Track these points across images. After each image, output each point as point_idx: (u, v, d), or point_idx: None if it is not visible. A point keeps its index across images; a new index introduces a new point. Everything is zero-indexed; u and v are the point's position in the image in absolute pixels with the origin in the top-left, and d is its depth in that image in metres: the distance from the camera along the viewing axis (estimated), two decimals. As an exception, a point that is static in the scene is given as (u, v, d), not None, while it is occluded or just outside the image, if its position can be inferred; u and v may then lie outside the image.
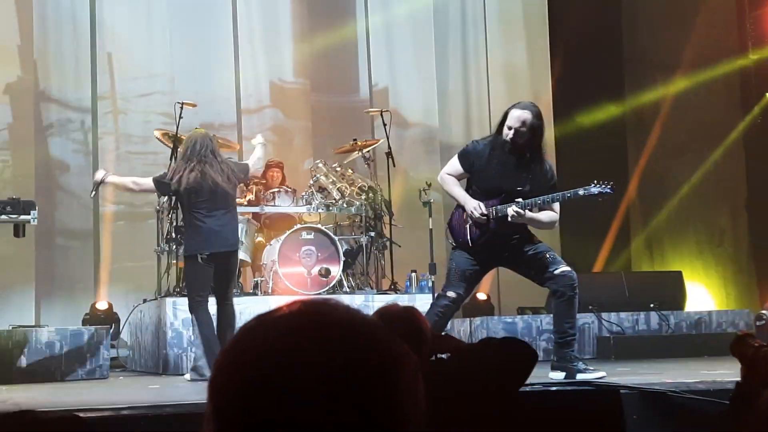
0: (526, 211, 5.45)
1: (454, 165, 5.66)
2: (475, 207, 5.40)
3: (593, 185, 5.63)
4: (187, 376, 6.97)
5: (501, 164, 5.51)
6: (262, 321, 0.96)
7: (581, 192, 5.65)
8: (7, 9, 10.32)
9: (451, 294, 5.58)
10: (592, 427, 4.26)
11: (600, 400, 4.51)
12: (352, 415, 0.90)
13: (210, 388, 0.96)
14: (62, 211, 10.58)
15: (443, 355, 3.04)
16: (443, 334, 3.34)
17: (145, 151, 10.48)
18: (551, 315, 6.48)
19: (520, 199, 5.46)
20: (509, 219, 5.42)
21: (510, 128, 5.41)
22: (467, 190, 5.62)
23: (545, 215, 5.59)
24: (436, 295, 5.82)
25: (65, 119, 10.78)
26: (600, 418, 4.38)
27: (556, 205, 5.65)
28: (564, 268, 5.50)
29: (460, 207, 5.58)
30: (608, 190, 5.66)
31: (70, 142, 10.85)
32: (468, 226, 5.47)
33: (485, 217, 5.41)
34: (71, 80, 10.77)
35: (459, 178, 5.63)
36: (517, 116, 5.42)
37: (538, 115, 5.51)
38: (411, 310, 2.94)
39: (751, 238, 10.46)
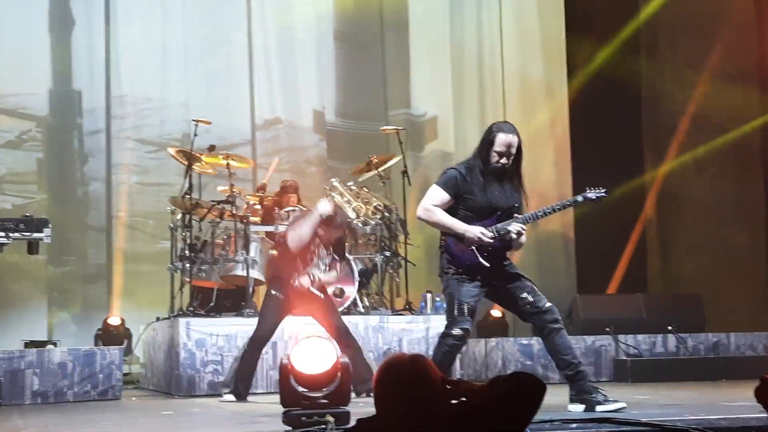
0: (524, 226, 5.42)
1: (439, 195, 5.45)
2: (481, 231, 5.30)
3: (588, 191, 5.63)
4: (229, 398, 6.90)
5: (489, 184, 5.44)
6: None
7: (579, 199, 5.68)
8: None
9: (456, 332, 5.44)
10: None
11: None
12: None
13: None
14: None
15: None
16: (456, 379, 3.25)
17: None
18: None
19: (518, 215, 5.45)
20: (513, 236, 5.36)
21: (500, 154, 5.38)
22: (455, 216, 5.46)
23: (524, 239, 5.51)
24: (442, 331, 5.66)
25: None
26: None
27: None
28: (546, 303, 5.45)
29: (451, 235, 5.45)
30: (603, 194, 5.64)
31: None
32: (474, 248, 5.34)
33: (493, 239, 5.34)
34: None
35: (444, 207, 5.43)
36: (507, 141, 5.39)
37: (519, 136, 5.50)
38: (419, 360, 2.89)
39: (768, 257, 10.42)
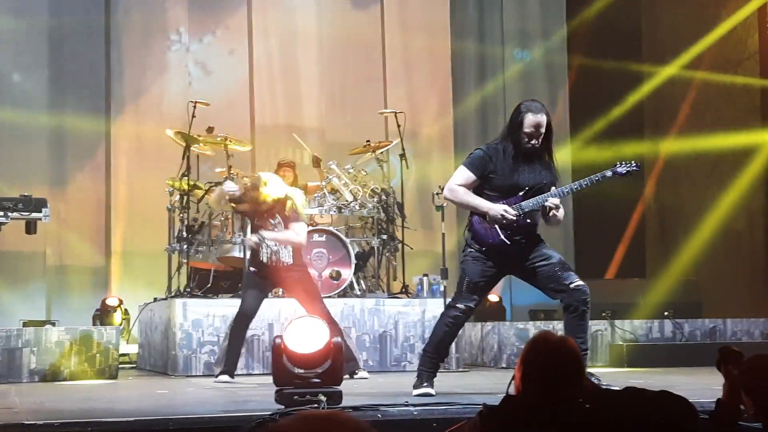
0: (557, 203, 5.40)
1: (465, 174, 5.48)
2: (504, 209, 5.31)
3: (619, 165, 5.60)
4: (223, 378, 6.91)
5: (516, 163, 5.42)
6: None
7: (609, 173, 5.61)
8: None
9: (461, 306, 5.49)
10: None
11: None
12: None
13: None
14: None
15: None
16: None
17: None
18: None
19: (554, 189, 5.45)
20: (545, 207, 5.37)
21: (530, 135, 5.35)
22: (480, 195, 5.45)
23: (561, 212, 5.48)
24: (446, 303, 5.70)
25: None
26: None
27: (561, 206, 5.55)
28: (578, 281, 5.40)
29: (477, 214, 5.46)
30: (635, 167, 5.63)
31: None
32: (497, 227, 5.36)
33: (517, 217, 5.34)
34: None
35: (469, 186, 5.46)
36: (537, 122, 5.35)
37: (549, 114, 5.49)
38: (569, 341, 2.87)
39: (767, 250, 10.44)
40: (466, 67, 12.22)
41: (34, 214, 7.89)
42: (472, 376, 7.50)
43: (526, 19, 12.45)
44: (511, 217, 5.32)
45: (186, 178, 8.62)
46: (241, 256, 8.35)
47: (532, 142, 5.38)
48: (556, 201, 5.39)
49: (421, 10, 11.97)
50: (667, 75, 11.59)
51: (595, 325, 8.43)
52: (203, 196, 8.66)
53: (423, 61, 11.91)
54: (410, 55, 11.87)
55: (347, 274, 8.29)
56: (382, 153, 9.31)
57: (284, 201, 6.78)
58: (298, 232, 6.83)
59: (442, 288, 8.24)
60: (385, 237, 8.83)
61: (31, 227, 8.07)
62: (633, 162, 5.67)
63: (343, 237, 8.42)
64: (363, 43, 11.78)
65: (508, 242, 5.38)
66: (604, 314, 8.77)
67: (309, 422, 0.91)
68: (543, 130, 5.39)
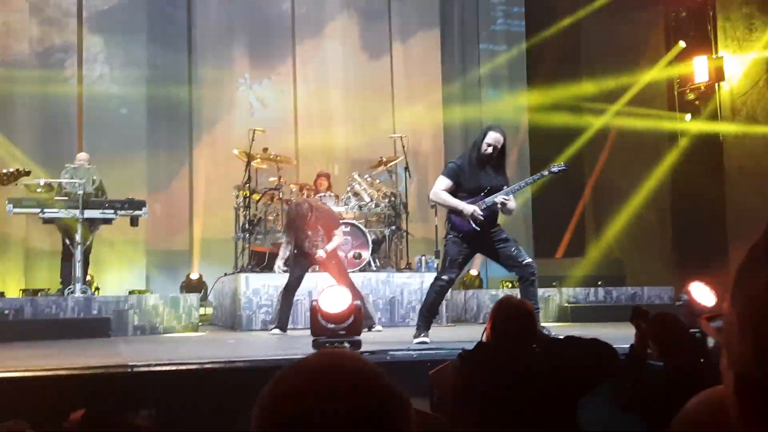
0: (510, 199, 5.41)
1: (445, 182, 5.49)
2: (475, 209, 5.33)
3: (552, 166, 5.60)
4: (276, 331, 6.92)
5: (480, 169, 5.44)
6: (295, 369, 0.94)
7: (545, 173, 5.62)
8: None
9: (445, 277, 5.52)
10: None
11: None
12: None
13: (255, 419, 0.91)
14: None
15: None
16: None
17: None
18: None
19: (505, 187, 5.44)
20: (498, 205, 5.37)
21: (489, 145, 5.39)
22: (455, 196, 5.47)
23: (512, 204, 5.48)
24: (435, 276, 5.71)
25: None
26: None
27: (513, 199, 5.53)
28: (528, 259, 5.44)
29: (454, 211, 5.46)
30: (564, 167, 5.63)
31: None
32: (469, 220, 5.38)
33: (483, 211, 5.35)
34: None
35: (447, 190, 5.46)
36: (495, 137, 5.41)
37: (505, 136, 5.52)
38: (527, 303, 2.89)
39: (674, 233, 10.42)
40: (454, 104, 12.19)
41: (136, 212, 7.93)
42: (457, 329, 7.51)
43: (496, 68, 12.45)
44: (479, 213, 5.35)
45: (247, 185, 8.64)
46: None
47: (489, 151, 5.40)
48: (506, 197, 5.39)
49: (419, 61, 12.00)
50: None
51: (547, 291, 8.45)
52: (260, 199, 8.68)
53: (421, 98, 11.89)
54: (412, 94, 11.88)
55: (366, 254, 8.33)
56: (391, 166, 9.34)
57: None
58: (339, 235, 7.05)
59: (435, 265, 8.24)
60: (393, 228, 8.86)
61: (134, 221, 8.10)
62: (563, 163, 5.68)
63: (363, 228, 8.44)
64: (377, 84, 11.80)
65: (478, 229, 5.40)
66: (554, 284, 8.77)
67: (328, 356, 0.93)
68: (500, 145, 5.43)
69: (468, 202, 5.39)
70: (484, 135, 5.46)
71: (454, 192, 5.46)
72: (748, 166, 9.34)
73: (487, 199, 5.38)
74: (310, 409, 0.87)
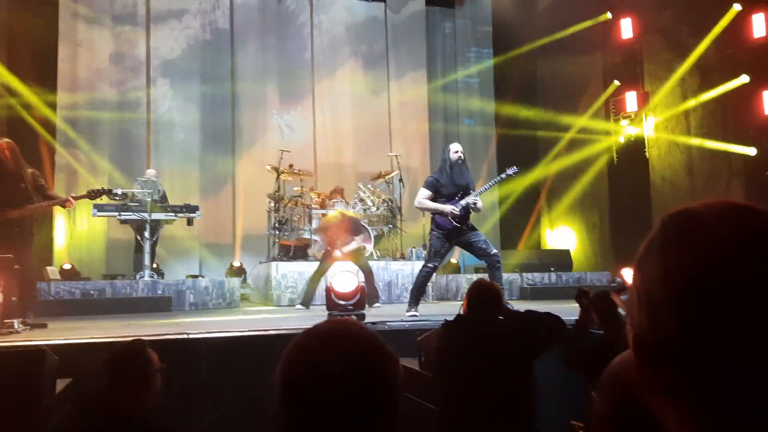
0: (478, 200, 5.41)
1: (425, 192, 5.49)
2: (452, 209, 5.34)
3: (508, 170, 5.55)
4: (300, 307, 6.92)
5: (451, 177, 5.44)
6: (309, 332, 0.93)
7: (503, 176, 5.57)
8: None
9: (430, 265, 5.52)
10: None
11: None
12: (366, 391, 0.87)
13: (279, 371, 0.90)
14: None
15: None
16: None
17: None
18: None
19: (472, 191, 5.46)
20: (470, 205, 5.37)
21: (456, 152, 5.45)
22: (436, 201, 5.47)
23: (480, 204, 5.47)
24: (422, 264, 5.72)
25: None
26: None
27: (480, 199, 5.51)
28: (494, 250, 5.43)
29: (436, 213, 5.47)
30: (515, 170, 5.57)
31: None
32: (449, 218, 5.39)
33: (459, 211, 5.37)
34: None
35: (428, 198, 5.47)
36: (456, 146, 5.53)
37: (461, 146, 5.60)
38: (495, 285, 2.91)
39: (611, 229, 10.42)
40: (437, 129, 12.18)
41: (192, 214, 7.93)
42: (440, 305, 7.52)
43: (470, 101, 12.47)
44: (457, 213, 5.37)
45: (277, 193, 8.65)
46: (309, 238, 8.42)
47: (457, 155, 5.45)
48: (475, 199, 5.40)
49: (410, 95, 11.98)
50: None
51: (510, 276, 8.46)
52: (287, 204, 8.69)
53: (412, 125, 11.87)
54: (405, 122, 11.87)
55: (370, 247, 8.28)
56: (388, 178, 9.34)
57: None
58: (357, 241, 7.03)
59: (423, 255, 8.24)
60: (390, 226, 8.86)
61: (190, 222, 8.10)
62: (515, 167, 5.62)
63: (367, 226, 8.44)
64: (377, 114, 11.78)
65: (458, 225, 5.42)
66: (516, 270, 8.77)
67: (334, 322, 0.94)
68: (460, 150, 5.51)
69: (449, 205, 5.40)
70: (448, 148, 5.56)
71: (434, 198, 5.47)
72: (669, 176, 9.36)
73: (461, 202, 5.40)
74: (319, 362, 0.87)
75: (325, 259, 6.97)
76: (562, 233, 11.58)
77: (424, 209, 5.73)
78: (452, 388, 2.67)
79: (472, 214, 5.57)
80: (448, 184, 5.45)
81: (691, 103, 8.96)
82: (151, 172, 8.46)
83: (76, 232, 9.83)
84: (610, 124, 10.33)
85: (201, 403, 3.69)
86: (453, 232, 5.44)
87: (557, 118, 11.37)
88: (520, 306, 5.71)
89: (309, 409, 0.86)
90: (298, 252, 8.63)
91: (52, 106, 9.96)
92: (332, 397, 0.85)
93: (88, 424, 2.22)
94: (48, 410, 2.94)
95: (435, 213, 5.48)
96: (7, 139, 5.32)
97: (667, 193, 9.30)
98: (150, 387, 2.32)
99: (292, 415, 0.87)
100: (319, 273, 6.94)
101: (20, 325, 4.88)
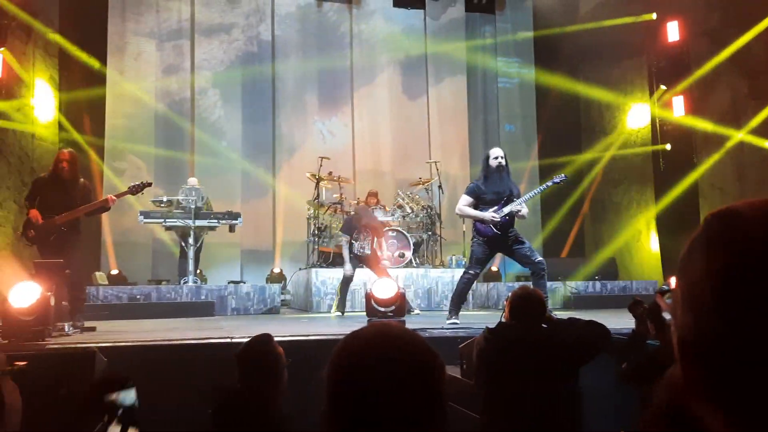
0: (522, 207, 5.34)
1: (466, 199, 5.45)
2: (493, 216, 5.29)
3: (555, 177, 5.49)
4: (337, 313, 6.93)
5: (493, 184, 5.38)
6: (354, 334, 0.94)
7: (550, 183, 5.51)
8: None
9: (472, 272, 5.47)
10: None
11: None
12: (413, 394, 0.87)
13: (327, 373, 0.91)
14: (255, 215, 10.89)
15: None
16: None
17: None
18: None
19: (516, 198, 5.38)
20: (513, 212, 5.31)
21: (496, 158, 5.38)
22: (476, 208, 5.43)
23: (525, 211, 5.43)
24: (463, 270, 5.67)
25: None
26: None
27: (525, 206, 5.47)
28: (539, 258, 5.34)
29: (477, 220, 5.43)
30: (564, 177, 5.52)
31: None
32: (490, 226, 5.33)
33: (500, 218, 5.32)
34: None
35: (469, 205, 5.43)
36: (497, 151, 5.43)
37: (504, 151, 5.53)
38: (538, 292, 2.90)
39: (658, 236, 10.16)
40: (477, 134, 12.11)
41: (234, 221, 8.08)
42: (481, 314, 7.47)
43: (512, 105, 12.36)
44: (497, 220, 5.32)
45: (316, 200, 8.72)
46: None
47: (498, 161, 5.38)
48: (518, 207, 5.33)
49: (450, 101, 11.94)
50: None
51: (554, 284, 8.33)
52: (326, 211, 8.75)
53: (451, 131, 11.81)
54: (444, 127, 11.82)
55: (408, 254, 8.31)
56: (427, 185, 9.33)
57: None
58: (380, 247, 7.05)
59: (463, 262, 8.21)
60: (430, 233, 8.83)
61: (232, 228, 8.25)
62: (563, 174, 5.57)
63: (406, 233, 8.44)
64: (416, 121, 11.76)
65: (499, 233, 5.36)
66: (559, 278, 8.63)
67: (378, 325, 0.95)
68: (501, 156, 5.42)
69: (489, 211, 5.35)
70: (488, 154, 5.49)
71: (475, 205, 5.43)
72: (718, 182, 9.09)
73: (504, 209, 5.34)
74: (366, 365, 0.88)
75: (350, 264, 6.98)
76: (606, 240, 11.35)
77: (464, 216, 5.69)
78: (494, 396, 2.65)
79: (517, 221, 5.51)
80: (489, 191, 5.39)
81: (741, 107, 8.69)
82: (193, 181, 8.66)
83: (123, 239, 10.12)
84: (657, 129, 10.09)
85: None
86: (494, 240, 5.38)
87: (601, 122, 11.18)
88: (562, 315, 5.63)
89: (357, 412, 0.86)
90: (338, 258, 8.71)
91: (100, 118, 10.28)
92: (381, 400, 0.85)
93: (225, 425, 2.21)
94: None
95: (476, 220, 5.43)
96: (69, 149, 5.56)
97: (715, 199, 9.03)
98: (280, 382, 2.31)
99: (340, 417, 0.87)
100: (346, 277, 6.96)
101: (71, 328, 5.07)
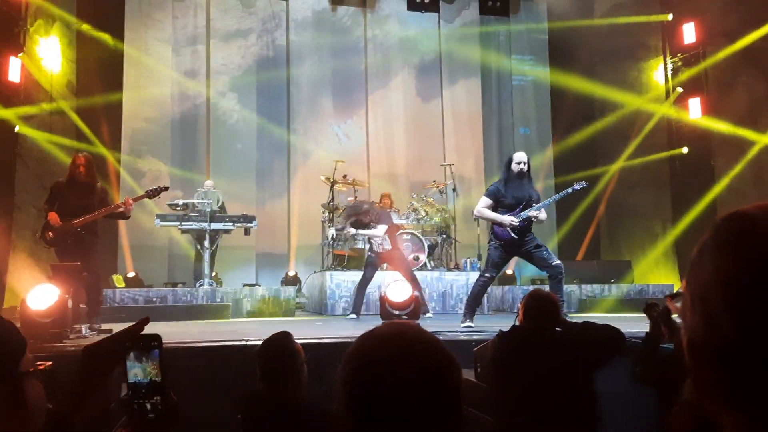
0: (540, 212, 5.32)
1: (485, 201, 5.45)
2: (511, 219, 5.28)
3: (576, 184, 5.47)
4: (352, 316, 6.97)
5: (513, 188, 5.36)
6: (368, 334, 0.94)
7: (570, 190, 5.48)
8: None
9: (487, 275, 5.48)
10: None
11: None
12: (432, 392, 0.87)
13: (341, 373, 0.91)
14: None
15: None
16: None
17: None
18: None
19: (536, 203, 5.35)
20: (531, 217, 5.29)
21: (518, 163, 5.34)
22: (495, 211, 5.42)
23: (543, 216, 5.41)
24: (479, 273, 5.66)
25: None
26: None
27: (544, 211, 5.44)
28: (557, 261, 5.32)
29: (495, 223, 5.42)
30: (584, 184, 5.49)
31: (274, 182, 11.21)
32: (508, 230, 5.33)
33: (518, 223, 5.31)
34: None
35: (488, 207, 5.42)
36: (521, 156, 5.39)
37: (527, 156, 5.47)
38: (552, 295, 2.90)
39: (674, 240, 10.06)
40: (491, 138, 12.08)
41: (249, 224, 8.13)
42: (496, 317, 7.44)
43: (527, 107, 12.32)
44: (516, 224, 5.30)
45: (331, 203, 8.75)
46: (362, 247, 8.47)
47: (520, 167, 5.35)
48: (537, 212, 5.31)
49: (464, 103, 11.92)
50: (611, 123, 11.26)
51: (569, 287, 8.29)
52: (340, 214, 8.79)
53: (466, 134, 11.78)
54: (458, 131, 11.79)
55: (423, 257, 8.31)
56: (442, 188, 9.33)
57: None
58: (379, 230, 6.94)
59: (478, 265, 8.18)
60: (444, 236, 8.83)
61: (247, 231, 8.30)
62: (583, 181, 5.56)
63: (420, 236, 8.44)
64: (430, 122, 11.75)
65: (516, 237, 5.36)
66: (575, 281, 8.59)
67: (393, 324, 0.95)
68: (524, 161, 5.38)
69: (508, 215, 5.34)
70: (511, 157, 5.45)
71: (494, 208, 5.42)
72: (736, 185, 8.99)
73: (522, 213, 5.32)
74: (381, 364, 0.88)
75: (368, 266, 6.99)
76: (622, 243, 11.25)
77: (482, 218, 5.69)
78: (507, 400, 2.64)
79: (534, 225, 5.49)
80: (509, 195, 5.38)
81: (759, 109, 8.59)
82: (209, 183, 8.74)
83: (139, 242, 10.22)
84: (673, 131, 10.01)
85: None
86: (511, 243, 5.38)
87: (617, 125, 11.09)
88: (578, 317, 5.60)
89: (372, 411, 0.86)
90: (352, 261, 8.72)
91: (117, 123, 10.41)
92: (395, 400, 0.85)
93: (254, 427, 2.23)
94: (114, 411, 3.07)
95: (494, 223, 5.43)
96: (85, 153, 5.65)
97: (733, 203, 8.92)
98: (301, 378, 2.35)
99: (355, 416, 0.87)
100: (365, 279, 6.97)
101: (88, 330, 5.14)
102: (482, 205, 5.46)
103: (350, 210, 7.11)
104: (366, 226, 6.85)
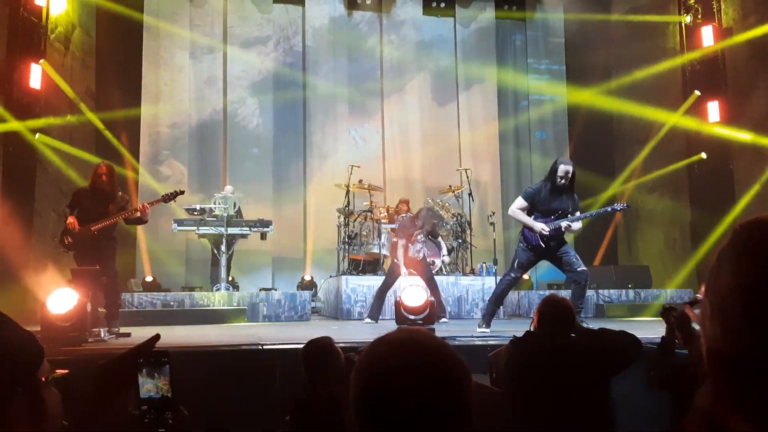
0: (574, 223, 5.27)
1: (521, 202, 5.38)
2: (543, 227, 5.24)
3: (617, 204, 5.42)
4: (369, 320, 6.97)
5: (552, 196, 5.28)
6: (382, 341, 0.94)
7: (609, 209, 5.46)
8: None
9: (513, 275, 5.48)
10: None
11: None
12: (441, 399, 0.87)
13: (353, 378, 0.92)
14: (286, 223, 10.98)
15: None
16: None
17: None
18: (569, 290, 6.22)
19: (569, 216, 5.28)
20: (563, 228, 5.25)
21: (562, 177, 5.23)
22: (529, 215, 5.37)
23: (576, 227, 5.36)
24: (503, 273, 5.58)
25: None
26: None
27: (579, 223, 5.37)
28: (583, 267, 5.27)
29: (526, 227, 5.35)
30: (625, 206, 5.47)
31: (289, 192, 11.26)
32: (537, 235, 5.30)
33: (549, 231, 5.27)
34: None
35: (523, 209, 5.37)
36: (566, 170, 5.24)
37: (573, 165, 5.35)
38: (567, 300, 2.88)
39: (693, 245, 9.92)
40: (507, 142, 12.03)
41: (265, 229, 8.17)
42: (512, 322, 7.40)
43: (542, 113, 12.25)
44: (546, 232, 5.26)
45: (347, 208, 8.76)
46: (378, 251, 8.46)
47: (562, 181, 5.25)
48: (570, 223, 5.26)
49: (480, 108, 11.89)
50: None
51: (587, 293, 8.20)
52: (356, 219, 8.78)
53: (482, 138, 11.74)
54: (474, 135, 11.76)
55: (439, 262, 8.26)
56: (458, 192, 9.30)
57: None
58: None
59: (494, 270, 8.14)
60: (460, 241, 8.80)
61: (263, 236, 8.35)
62: (625, 203, 5.51)
63: (440, 240, 8.40)
64: (446, 127, 11.73)
65: (543, 245, 5.33)
66: (592, 286, 8.49)
67: (405, 331, 0.95)
68: (570, 174, 5.28)
69: (540, 221, 5.31)
70: (556, 168, 5.28)
71: (529, 211, 5.39)
72: (758, 192, 8.84)
73: (555, 222, 5.29)
74: (392, 370, 0.88)
75: (391, 272, 6.99)
76: (639, 249, 11.13)
77: (515, 219, 5.62)
78: (521, 405, 2.63)
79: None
80: (545, 202, 5.32)
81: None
82: (228, 189, 8.80)
83: (157, 247, 10.31)
84: (691, 135, 9.88)
85: (276, 409, 3.79)
86: (539, 249, 5.37)
87: (634, 129, 10.99)
88: (594, 324, 5.54)
89: (381, 416, 0.87)
90: (368, 266, 8.71)
91: (136, 127, 10.53)
92: (403, 405, 0.86)
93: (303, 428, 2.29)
94: (127, 426, 3.10)
95: (525, 226, 5.40)
96: (106, 162, 5.74)
97: (752, 208, 8.78)
98: (343, 381, 2.39)
99: (364, 421, 0.88)
100: (386, 284, 6.97)
101: (106, 334, 5.20)
102: (517, 206, 5.43)
103: (432, 214, 7.14)
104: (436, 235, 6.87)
